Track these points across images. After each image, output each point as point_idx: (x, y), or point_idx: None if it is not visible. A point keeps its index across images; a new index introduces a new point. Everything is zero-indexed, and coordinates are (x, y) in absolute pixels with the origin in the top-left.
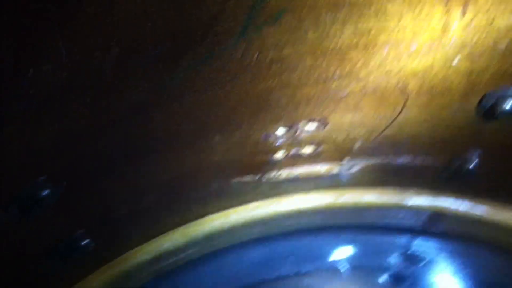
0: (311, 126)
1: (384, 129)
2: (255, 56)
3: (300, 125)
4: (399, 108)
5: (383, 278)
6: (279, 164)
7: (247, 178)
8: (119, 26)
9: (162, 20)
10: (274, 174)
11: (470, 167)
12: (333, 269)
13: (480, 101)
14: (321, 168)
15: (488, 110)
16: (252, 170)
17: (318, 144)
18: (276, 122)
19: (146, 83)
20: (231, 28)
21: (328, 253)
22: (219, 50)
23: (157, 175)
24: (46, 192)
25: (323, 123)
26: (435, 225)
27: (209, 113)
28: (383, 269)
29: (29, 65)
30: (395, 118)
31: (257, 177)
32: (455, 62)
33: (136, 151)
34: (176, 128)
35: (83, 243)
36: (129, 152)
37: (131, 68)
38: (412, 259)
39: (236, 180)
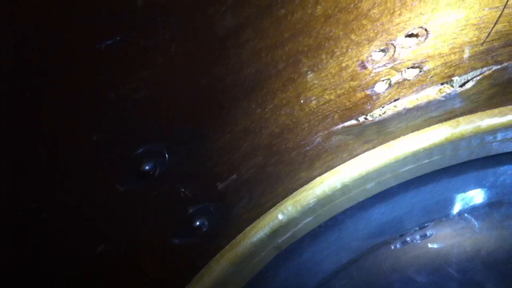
0: (410, 41)
1: (496, 22)
2: None
3: (398, 41)
4: None
5: None
6: (382, 98)
7: (350, 121)
8: None
9: None
10: (378, 112)
11: None
12: (463, 216)
13: None
14: (430, 92)
15: None
16: (354, 111)
17: (422, 63)
18: (370, 42)
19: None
20: None
21: (455, 198)
22: None
23: (254, 132)
24: (149, 164)
25: (423, 32)
26: None
27: (298, 44)
28: None
29: None
30: (506, 3)
31: (360, 119)
32: None
33: (226, 102)
34: (266, 69)
35: (197, 223)
36: (219, 103)
37: None
38: None
39: (339, 127)
